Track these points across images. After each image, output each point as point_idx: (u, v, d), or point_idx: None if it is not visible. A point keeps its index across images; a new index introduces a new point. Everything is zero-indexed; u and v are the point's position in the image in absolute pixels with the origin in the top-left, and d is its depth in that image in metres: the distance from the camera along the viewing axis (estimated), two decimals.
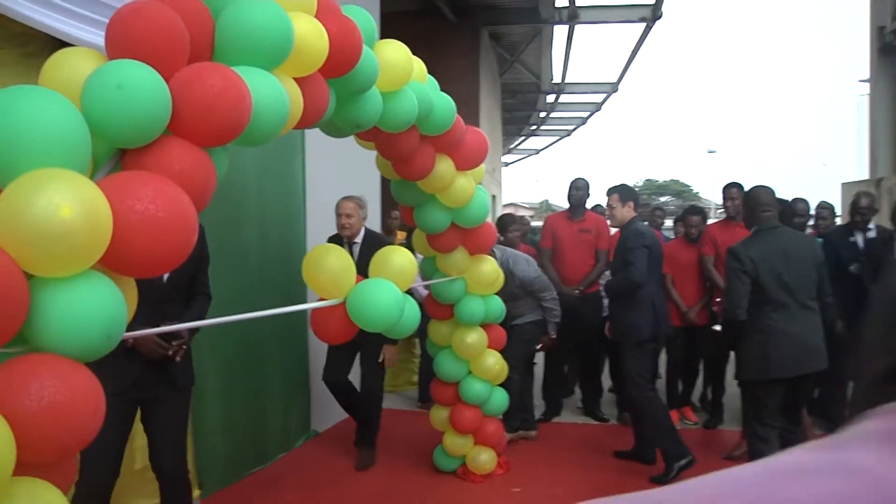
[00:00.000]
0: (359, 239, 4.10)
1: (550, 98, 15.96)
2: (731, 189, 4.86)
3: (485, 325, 3.92)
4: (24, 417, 1.13)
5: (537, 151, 25.98)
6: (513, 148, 24.83)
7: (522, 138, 22.84)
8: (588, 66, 61.02)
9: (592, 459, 4.36)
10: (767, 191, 3.52)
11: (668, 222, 8.01)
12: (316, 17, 2.01)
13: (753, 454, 3.42)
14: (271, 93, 1.67)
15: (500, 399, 4.07)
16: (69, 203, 1.16)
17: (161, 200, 1.32)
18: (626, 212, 4.21)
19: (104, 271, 1.32)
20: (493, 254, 3.96)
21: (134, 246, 1.31)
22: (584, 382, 5.53)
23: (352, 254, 3.95)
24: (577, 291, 4.92)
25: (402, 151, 2.93)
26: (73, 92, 1.36)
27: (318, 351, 4.54)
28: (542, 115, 18.29)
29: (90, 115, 1.37)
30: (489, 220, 3.97)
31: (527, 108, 17.34)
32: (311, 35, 1.86)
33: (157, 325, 2.26)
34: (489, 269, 3.76)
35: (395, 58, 2.48)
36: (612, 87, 14.52)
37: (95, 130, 1.38)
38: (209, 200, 1.59)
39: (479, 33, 10.44)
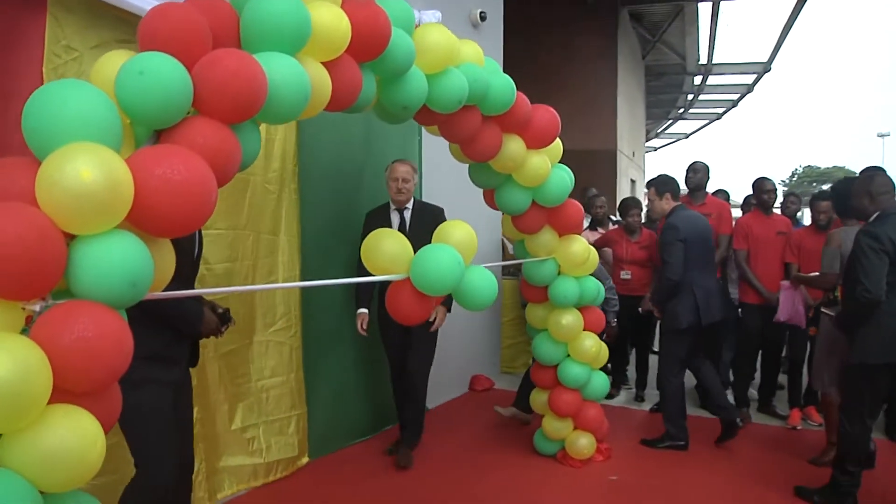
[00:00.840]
0: (409, 205, 3.96)
1: (697, 80, 15.20)
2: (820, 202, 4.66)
3: (581, 308, 3.90)
4: (58, 350, 1.34)
5: (686, 136, 24.77)
6: (661, 132, 23.84)
7: (670, 122, 21.88)
8: (737, 46, 56.51)
9: (698, 454, 4.22)
10: (883, 174, 3.46)
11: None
12: (342, 5, 2.16)
13: (850, 451, 3.33)
14: (288, 72, 1.84)
15: (601, 383, 4.03)
16: (89, 167, 1.37)
17: (180, 166, 1.51)
18: (665, 204, 4.33)
19: (133, 230, 1.53)
20: None
21: (156, 206, 1.50)
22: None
23: (403, 221, 3.93)
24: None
25: (464, 132, 3.02)
26: (111, 84, 1.59)
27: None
28: (689, 97, 17.42)
29: (121, 99, 1.60)
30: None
31: (673, 90, 16.65)
32: (330, 20, 2.02)
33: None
34: (579, 248, 3.74)
35: (436, 40, 2.59)
36: (764, 67, 13.60)
37: (128, 113, 1.61)
38: (235, 170, 1.78)
39: (616, 13, 10.23)
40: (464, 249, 2.80)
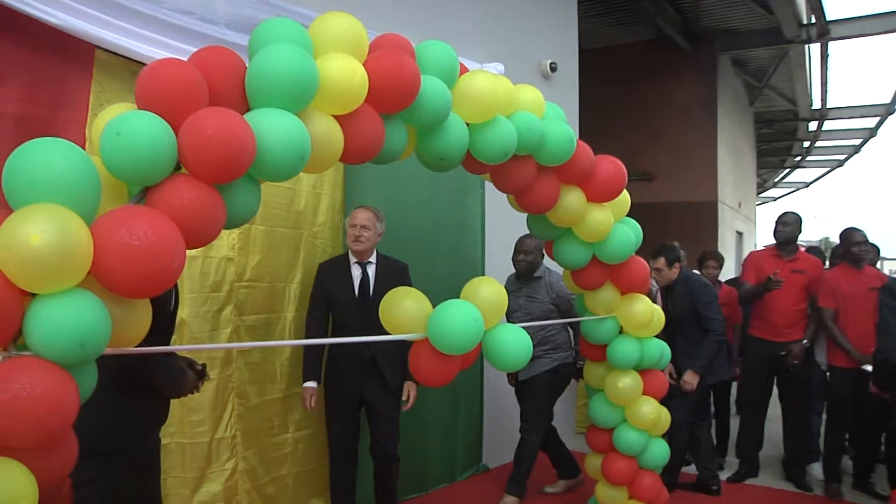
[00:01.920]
0: (372, 259, 3.53)
1: (813, 125, 14.27)
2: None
3: (642, 370, 3.65)
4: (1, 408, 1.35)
5: (807, 184, 23.24)
6: (778, 181, 22.57)
7: (787, 170, 20.64)
8: (854, 88, 52.10)
9: None
10: None
11: None
12: (369, 54, 2.13)
13: None
14: (282, 129, 1.79)
15: (660, 451, 3.72)
16: (39, 232, 1.38)
17: (139, 230, 1.50)
18: (673, 273, 4.38)
19: (98, 290, 1.53)
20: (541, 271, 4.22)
21: (114, 269, 1.51)
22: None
23: (365, 276, 3.48)
24: (805, 342, 4.39)
25: (517, 183, 2.88)
26: None
27: (495, 385, 4.55)
28: (806, 144, 16.37)
29: (102, 158, 1.62)
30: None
31: (787, 137, 15.65)
32: (341, 74, 1.96)
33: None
34: (643, 308, 3.48)
35: (481, 88, 2.47)
36: (887, 109, 12.52)
37: (109, 171, 1.62)
38: (216, 228, 1.76)
39: (715, 60, 9.82)
40: (491, 307, 2.66)
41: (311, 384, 3.39)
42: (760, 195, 21.57)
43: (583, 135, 10.35)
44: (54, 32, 2.55)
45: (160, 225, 1.55)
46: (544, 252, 3.79)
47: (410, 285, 3.22)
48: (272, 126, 1.79)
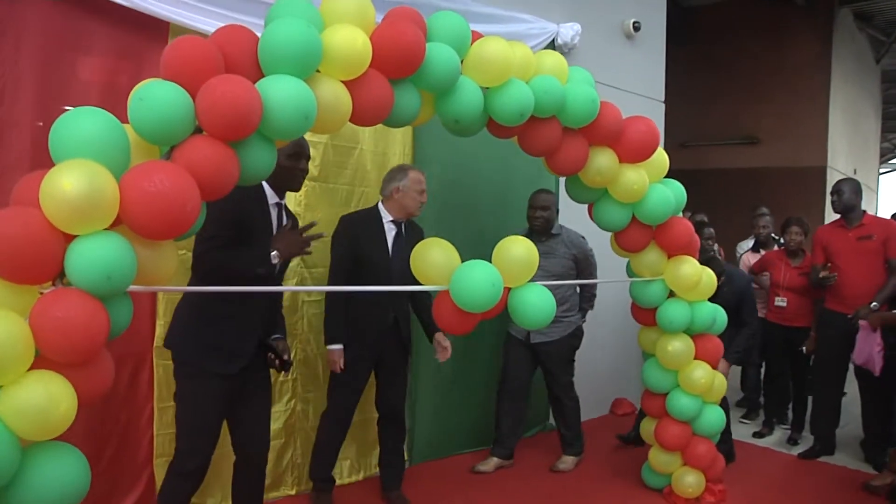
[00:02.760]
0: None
1: None
2: None
3: (695, 335, 3.64)
4: (39, 326, 1.67)
5: None
6: None
7: None
8: None
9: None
10: None
11: None
12: (380, 23, 2.32)
13: None
14: (287, 93, 2.01)
15: (715, 418, 3.70)
16: (71, 180, 1.67)
17: (158, 180, 1.77)
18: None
19: (128, 233, 1.82)
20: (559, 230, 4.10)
21: (136, 214, 1.78)
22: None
23: (400, 234, 3.45)
24: (873, 305, 4.12)
25: (542, 144, 2.98)
26: None
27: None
28: None
29: (131, 121, 1.89)
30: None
31: None
32: (344, 42, 2.16)
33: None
34: (689, 270, 3.47)
35: (493, 52, 2.59)
36: None
37: (136, 132, 1.89)
38: (230, 180, 2.01)
39: (833, 14, 9.13)
40: (519, 267, 2.78)
41: (337, 346, 3.30)
42: (891, 161, 19.76)
43: (684, 96, 10.11)
44: (132, 12, 2.89)
45: (174, 175, 1.81)
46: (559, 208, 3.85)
47: None
48: (277, 89, 2.02)
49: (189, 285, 2.67)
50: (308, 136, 3.49)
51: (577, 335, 4.22)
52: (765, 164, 9.58)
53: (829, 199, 4.63)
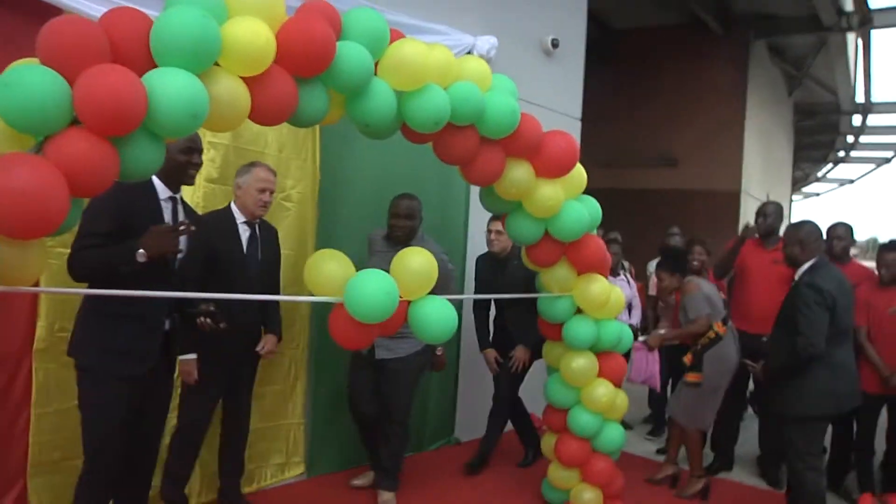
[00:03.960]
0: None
1: (857, 120, 13.75)
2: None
3: (599, 353, 3.65)
4: None
5: (852, 181, 22.40)
6: (822, 177, 21.83)
7: (829, 165, 19.92)
8: None
9: None
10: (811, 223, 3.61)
11: None
12: (292, 17, 2.18)
13: (811, 489, 3.41)
14: (175, 88, 1.87)
15: (615, 436, 3.72)
16: None
17: (21, 175, 1.61)
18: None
19: None
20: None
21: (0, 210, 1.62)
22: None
23: (254, 236, 3.27)
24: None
25: (458, 153, 2.90)
26: None
27: (471, 356, 4.56)
28: (850, 139, 15.79)
29: None
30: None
31: (829, 131, 15.12)
32: (246, 36, 2.02)
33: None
34: (599, 289, 3.47)
35: (409, 55, 2.50)
36: None
37: (3, 120, 1.72)
38: (107, 179, 1.85)
39: (747, 46, 9.55)
40: (417, 279, 2.70)
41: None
42: (802, 189, 20.91)
43: (607, 116, 10.38)
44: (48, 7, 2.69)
45: (39, 170, 1.65)
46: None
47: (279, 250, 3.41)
48: (164, 84, 1.87)
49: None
50: (210, 137, 3.37)
51: (425, 355, 3.82)
52: (682, 186, 9.92)
53: (741, 223, 4.80)
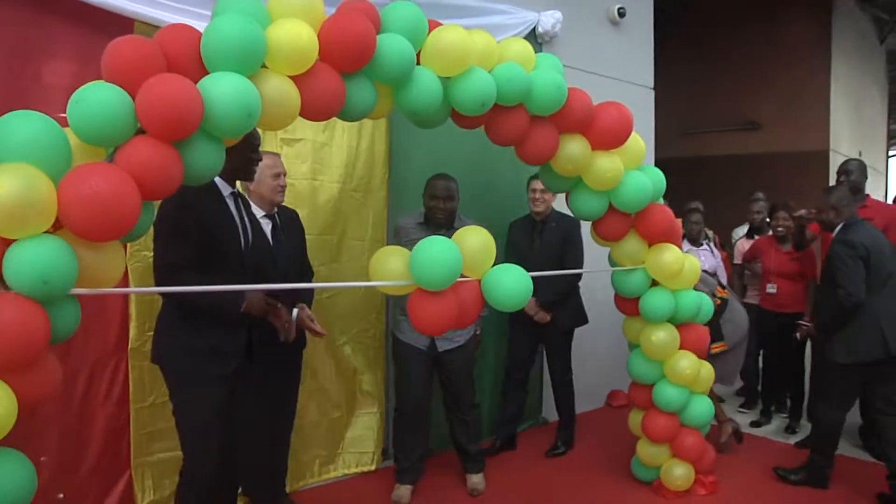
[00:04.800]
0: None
1: None
2: None
3: (679, 324, 3.58)
4: None
5: None
6: None
7: None
8: None
9: (834, 499, 3.66)
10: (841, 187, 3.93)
11: None
12: (332, 16, 2.28)
13: (827, 437, 3.73)
14: (227, 91, 1.99)
15: (703, 409, 3.64)
16: (3, 185, 1.66)
17: (94, 182, 1.76)
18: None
19: (70, 237, 1.81)
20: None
21: (74, 216, 1.77)
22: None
23: (276, 226, 3.19)
24: None
25: (510, 133, 2.93)
26: None
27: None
28: None
29: (70, 124, 1.88)
30: None
31: None
32: (288, 37, 2.13)
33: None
34: (671, 258, 3.41)
35: (450, 42, 2.55)
36: None
37: (77, 134, 1.88)
38: (174, 181, 1.99)
39: None
40: (481, 256, 2.70)
41: None
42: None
43: (683, 83, 10.00)
44: (97, 10, 2.87)
45: (111, 177, 1.80)
46: None
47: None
48: (218, 87, 2.00)
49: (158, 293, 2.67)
50: (282, 134, 3.52)
51: (475, 337, 3.80)
52: (766, 150, 9.47)
53: (832, 183, 4.56)
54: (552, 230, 4.11)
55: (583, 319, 4.30)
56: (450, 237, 3.09)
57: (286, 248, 3.15)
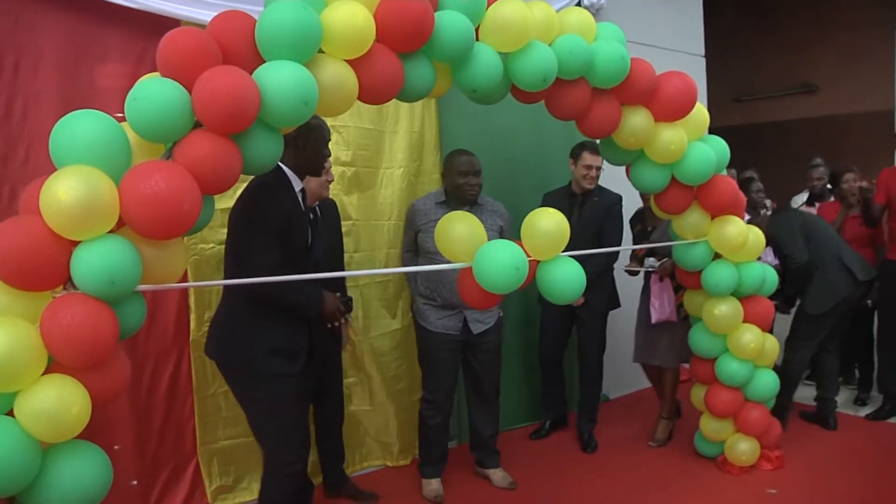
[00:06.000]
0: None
1: None
2: None
3: (743, 298, 3.47)
4: (48, 332, 1.68)
5: None
6: None
7: None
8: None
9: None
10: None
11: None
12: None
13: (792, 376, 4.11)
14: (284, 79, 1.94)
15: (768, 383, 3.54)
16: (66, 188, 1.66)
17: (153, 180, 1.74)
18: None
19: (133, 236, 1.81)
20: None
21: (136, 215, 1.76)
22: None
23: (316, 217, 2.97)
24: None
25: (571, 107, 2.83)
26: None
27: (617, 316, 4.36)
28: None
29: (128, 121, 1.86)
30: None
31: None
32: (344, 20, 2.06)
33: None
34: (734, 231, 3.29)
35: (509, 16, 2.45)
36: None
37: (135, 131, 1.86)
38: (233, 175, 1.96)
39: None
40: (551, 240, 2.65)
41: None
42: None
43: (733, 48, 9.59)
44: (145, 14, 2.87)
45: (170, 174, 1.77)
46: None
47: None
48: (273, 76, 1.95)
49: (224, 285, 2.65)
50: (332, 121, 3.46)
51: (500, 323, 3.61)
52: (825, 113, 9.08)
53: None
54: (594, 205, 3.89)
55: (616, 303, 4.11)
56: (473, 213, 3.02)
57: (323, 242, 3.04)
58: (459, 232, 2.61)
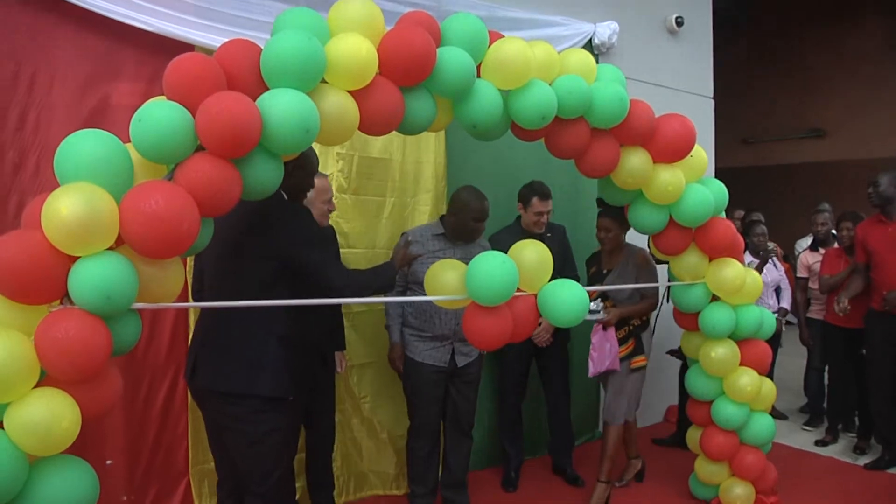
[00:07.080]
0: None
1: None
2: None
3: (740, 340, 3.47)
4: (41, 346, 1.71)
5: None
6: None
7: None
8: None
9: None
10: None
11: None
12: (392, 30, 2.28)
13: None
14: (286, 107, 1.99)
15: (764, 426, 3.52)
16: (67, 205, 1.70)
17: (154, 200, 1.78)
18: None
19: (131, 254, 1.85)
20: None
21: (135, 233, 1.80)
22: None
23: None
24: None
25: (570, 146, 2.88)
26: None
27: None
28: None
29: (132, 142, 1.91)
30: None
31: None
32: (348, 52, 2.12)
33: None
34: (732, 273, 3.30)
35: (511, 54, 2.51)
36: None
37: (139, 152, 1.91)
38: (232, 198, 2.01)
39: None
40: (538, 270, 2.68)
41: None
42: None
43: (744, 91, 9.70)
44: (159, 37, 2.96)
45: (171, 194, 1.82)
46: None
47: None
48: (276, 104, 2.00)
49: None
50: (338, 149, 3.53)
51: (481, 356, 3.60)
52: (833, 158, 9.12)
53: None
54: (549, 241, 3.51)
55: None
56: (465, 247, 3.29)
57: None
58: (449, 277, 2.62)
